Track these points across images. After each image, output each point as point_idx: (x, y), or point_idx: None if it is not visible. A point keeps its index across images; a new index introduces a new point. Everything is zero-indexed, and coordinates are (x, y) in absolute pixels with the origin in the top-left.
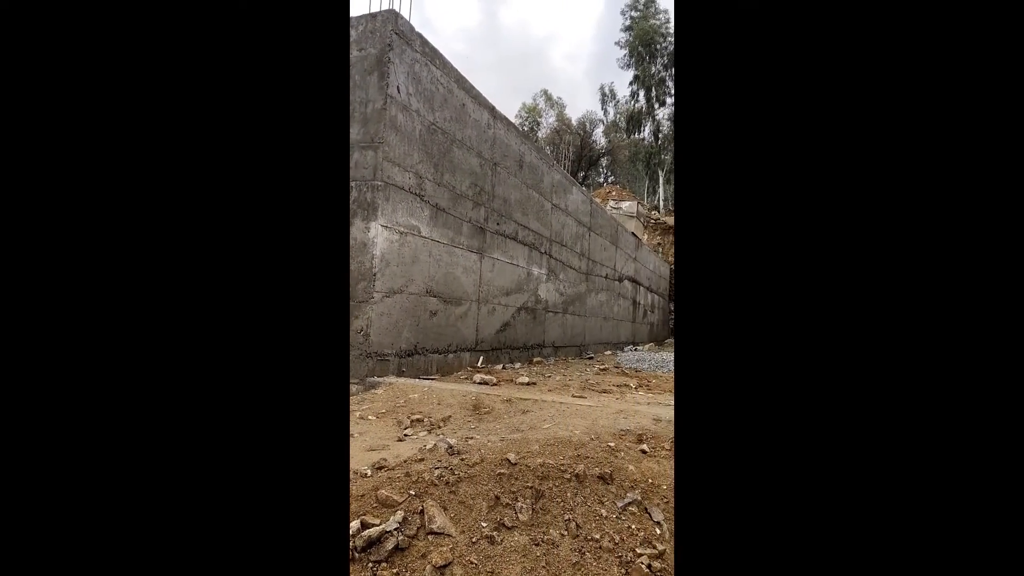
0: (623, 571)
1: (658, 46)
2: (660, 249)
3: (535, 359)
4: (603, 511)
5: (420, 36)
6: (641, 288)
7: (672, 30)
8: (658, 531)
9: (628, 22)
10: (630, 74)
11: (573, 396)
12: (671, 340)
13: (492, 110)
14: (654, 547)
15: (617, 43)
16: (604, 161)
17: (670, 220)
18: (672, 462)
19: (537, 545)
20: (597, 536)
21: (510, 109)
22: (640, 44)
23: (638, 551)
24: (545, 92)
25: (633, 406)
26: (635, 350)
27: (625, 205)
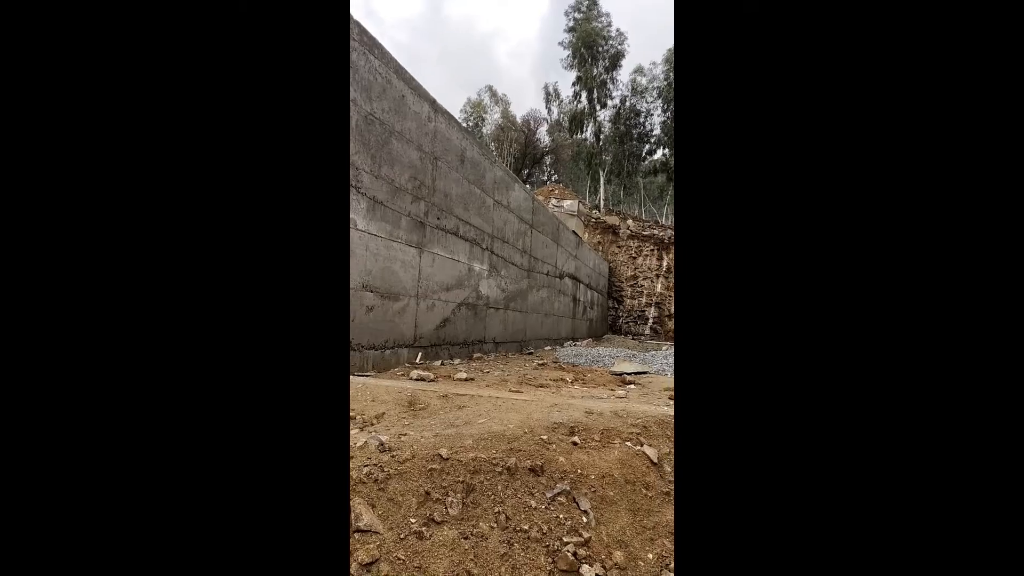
0: (550, 560)
1: (600, 49)
2: (600, 248)
3: (475, 355)
4: (532, 502)
5: (358, 24)
6: (581, 285)
7: (613, 34)
8: (584, 519)
9: (571, 23)
10: (573, 75)
11: (510, 391)
12: (608, 336)
13: (433, 103)
14: (580, 535)
15: (560, 43)
16: (548, 160)
17: (610, 219)
18: (600, 453)
19: (466, 538)
20: (526, 527)
21: (455, 104)
22: (583, 46)
23: (565, 540)
24: (490, 88)
25: (567, 400)
26: (574, 345)
27: (567, 204)
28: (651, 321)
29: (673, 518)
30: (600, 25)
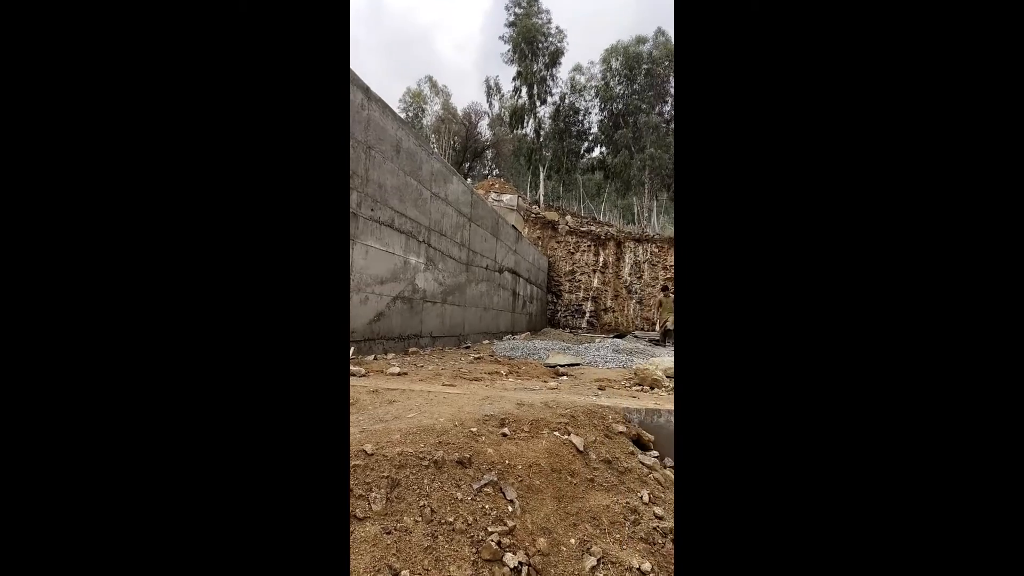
0: (474, 550)
1: (540, 45)
2: (540, 243)
3: (411, 349)
4: (459, 494)
5: None
6: (521, 279)
7: (553, 31)
8: (510, 509)
9: (512, 18)
10: (514, 69)
11: (444, 385)
12: (547, 329)
13: (366, 91)
14: (505, 524)
15: (501, 37)
16: (489, 153)
17: (549, 215)
18: (529, 443)
19: (388, 533)
20: (451, 519)
21: (394, 94)
22: (523, 41)
23: (490, 529)
24: (430, 79)
25: (500, 392)
26: (512, 339)
27: (506, 198)
28: (588, 315)
29: (595, 503)
30: (540, 21)
